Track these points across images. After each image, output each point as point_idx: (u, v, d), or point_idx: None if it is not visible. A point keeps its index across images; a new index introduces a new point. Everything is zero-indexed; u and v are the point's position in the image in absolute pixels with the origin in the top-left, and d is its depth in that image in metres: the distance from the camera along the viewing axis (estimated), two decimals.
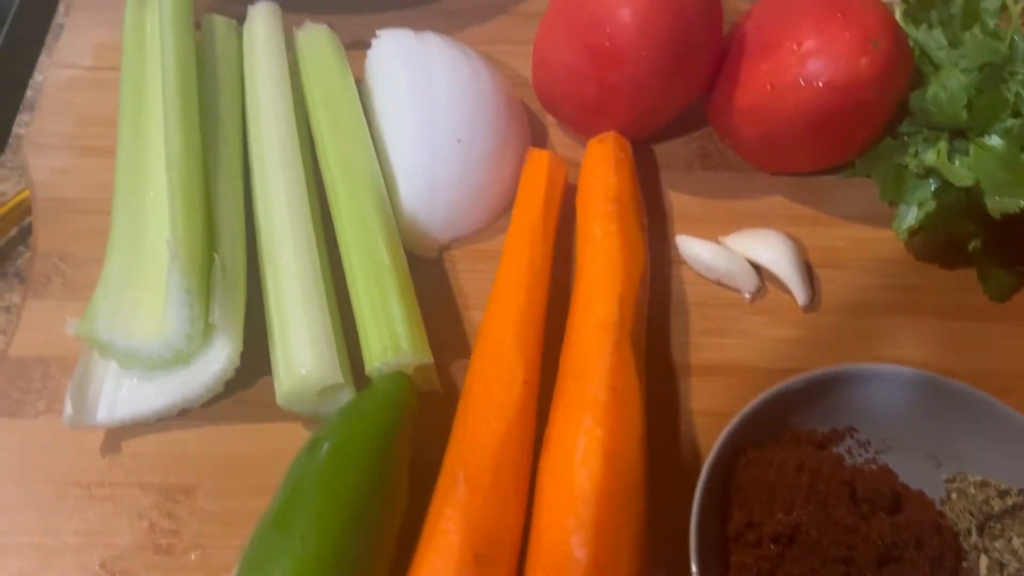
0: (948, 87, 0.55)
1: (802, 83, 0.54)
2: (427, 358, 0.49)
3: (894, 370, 0.50)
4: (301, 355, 0.48)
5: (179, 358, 0.49)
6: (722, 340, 0.57)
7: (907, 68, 0.56)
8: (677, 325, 0.57)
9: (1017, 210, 0.54)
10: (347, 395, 0.50)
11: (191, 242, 0.48)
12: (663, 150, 0.65)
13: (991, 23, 0.62)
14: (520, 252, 0.55)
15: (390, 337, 0.49)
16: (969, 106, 0.55)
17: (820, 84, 0.54)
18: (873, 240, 0.61)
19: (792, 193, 0.63)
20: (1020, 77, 0.56)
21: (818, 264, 0.60)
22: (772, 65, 0.56)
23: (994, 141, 0.55)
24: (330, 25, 0.68)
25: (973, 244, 0.58)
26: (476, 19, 0.70)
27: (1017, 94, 0.57)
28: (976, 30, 0.61)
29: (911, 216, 0.58)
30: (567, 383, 0.49)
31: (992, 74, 0.56)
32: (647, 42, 0.54)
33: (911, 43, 0.61)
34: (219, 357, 0.48)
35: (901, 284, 0.60)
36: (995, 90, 0.55)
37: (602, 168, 0.57)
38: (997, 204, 0.54)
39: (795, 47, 0.55)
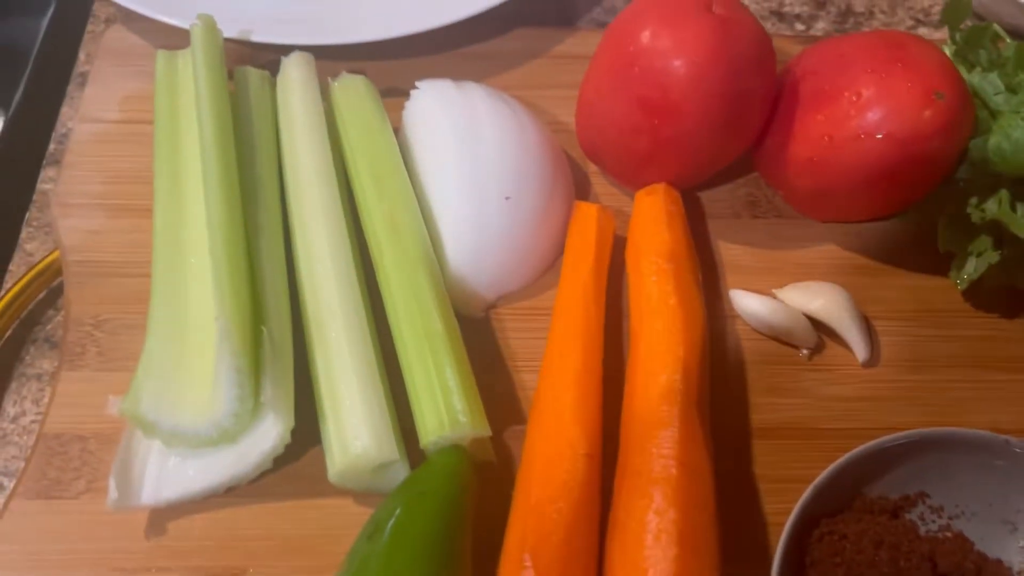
0: (1012, 137, 0.53)
1: (862, 135, 0.53)
2: (485, 431, 0.47)
3: (965, 434, 0.48)
4: (356, 432, 0.46)
5: (226, 437, 0.47)
6: (781, 400, 0.55)
7: (971, 118, 0.54)
8: (735, 385, 0.55)
9: None
10: (401, 470, 0.48)
11: (240, 317, 0.46)
12: (709, 198, 0.63)
13: None
14: (574, 312, 0.53)
15: (447, 410, 0.47)
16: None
17: (882, 136, 0.52)
18: (929, 289, 0.60)
19: (844, 241, 0.61)
20: None
21: (874, 316, 0.58)
22: (829, 115, 0.54)
23: None
24: (364, 72, 0.67)
25: None
26: (510, 63, 0.68)
27: None
28: None
29: (971, 266, 0.57)
30: (632, 457, 0.47)
31: None
32: (702, 95, 0.52)
33: (970, 86, 0.60)
34: (270, 435, 0.46)
35: (962, 336, 0.58)
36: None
37: (654, 223, 0.55)
38: None
39: (854, 97, 0.53)
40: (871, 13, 0.80)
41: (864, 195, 0.56)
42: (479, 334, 0.56)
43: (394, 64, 0.68)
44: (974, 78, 0.59)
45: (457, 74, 0.67)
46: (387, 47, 0.66)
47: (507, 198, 0.54)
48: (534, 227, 0.56)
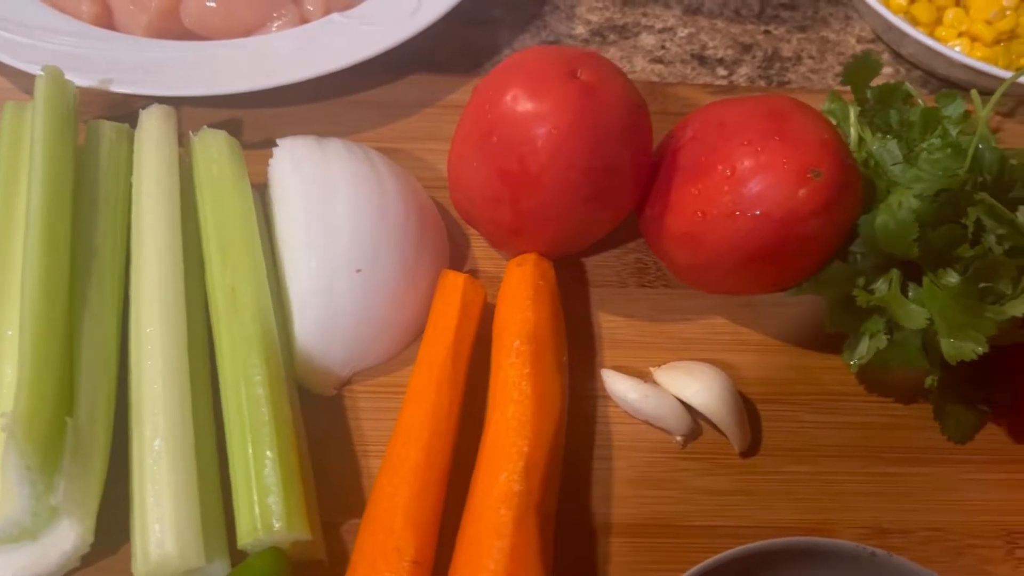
0: (898, 217, 0.49)
1: (736, 213, 0.49)
2: (305, 535, 0.44)
3: (829, 544, 0.45)
4: (160, 537, 0.42)
5: (26, 534, 0.43)
6: (649, 492, 0.51)
7: (854, 196, 0.50)
8: (600, 473, 0.52)
9: (975, 357, 0.48)
10: (220, 569, 0.45)
11: (37, 412, 0.42)
12: (595, 264, 0.59)
13: (953, 131, 0.56)
14: (424, 396, 0.49)
15: (262, 512, 0.43)
16: (921, 239, 0.49)
17: (755, 215, 0.48)
18: (822, 370, 0.56)
19: (734, 314, 0.58)
20: (982, 202, 0.51)
21: (760, 398, 0.55)
22: (703, 190, 0.50)
23: (950, 278, 0.49)
24: (241, 121, 0.63)
25: (930, 380, 0.53)
26: (403, 112, 0.65)
27: (977, 221, 0.51)
28: (936, 139, 0.55)
29: (863, 347, 0.53)
30: (460, 566, 0.44)
31: (949, 202, 0.50)
32: (562, 167, 0.49)
33: (868, 153, 0.56)
34: (69, 537, 0.43)
35: (853, 423, 0.54)
36: (951, 221, 0.50)
37: (518, 299, 0.52)
38: (952, 348, 0.49)
39: (728, 172, 0.49)
40: (799, 59, 0.76)
41: (743, 272, 0.52)
42: (329, 414, 0.52)
43: (281, 112, 0.64)
44: (874, 145, 0.56)
45: (345, 123, 0.63)
46: (273, 93, 0.63)
47: (358, 270, 0.51)
48: (391, 299, 0.52)
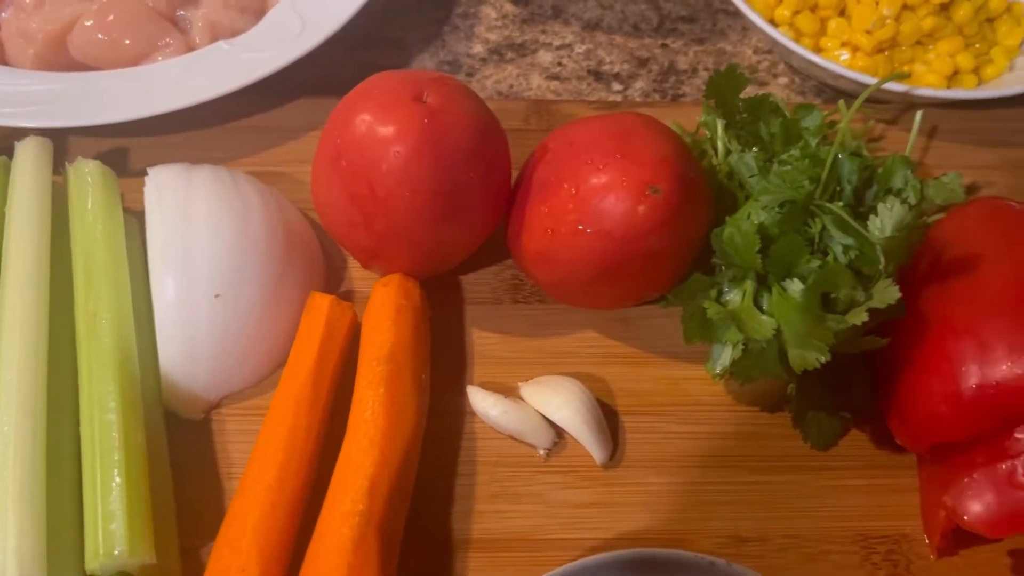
0: (743, 229, 0.50)
1: (581, 230, 0.50)
2: (150, 559, 0.45)
3: (669, 555, 0.46)
4: (2, 561, 0.43)
5: None
6: (510, 506, 0.52)
7: (699, 210, 0.51)
8: (462, 489, 0.52)
9: (818, 366, 0.49)
10: None
11: None
12: (471, 281, 0.60)
13: (813, 142, 0.57)
14: (280, 420, 0.50)
15: (105, 537, 0.44)
16: (764, 251, 0.50)
17: (598, 232, 0.49)
18: (689, 380, 0.57)
19: (606, 327, 0.58)
20: (828, 212, 0.52)
21: (626, 410, 0.55)
22: (552, 208, 0.51)
23: (794, 288, 0.50)
24: (128, 149, 0.65)
25: (791, 388, 0.54)
26: (287, 136, 0.66)
27: (823, 230, 0.52)
28: (796, 150, 0.56)
29: (723, 357, 0.54)
30: None
31: (792, 213, 0.51)
32: (409, 191, 0.50)
33: (730, 166, 0.57)
34: None
35: (717, 433, 0.55)
36: (794, 232, 0.51)
37: (380, 319, 0.53)
38: (798, 358, 0.50)
39: (573, 191, 0.50)
40: (694, 71, 0.77)
41: (597, 288, 0.53)
42: (196, 438, 0.53)
43: (168, 139, 0.65)
44: (733, 158, 0.57)
45: (230, 148, 0.65)
46: (159, 121, 0.64)
47: (217, 295, 0.52)
48: (255, 323, 0.53)
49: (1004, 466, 0.46)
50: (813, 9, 0.71)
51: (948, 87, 0.70)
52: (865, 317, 0.49)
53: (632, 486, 0.53)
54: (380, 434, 0.48)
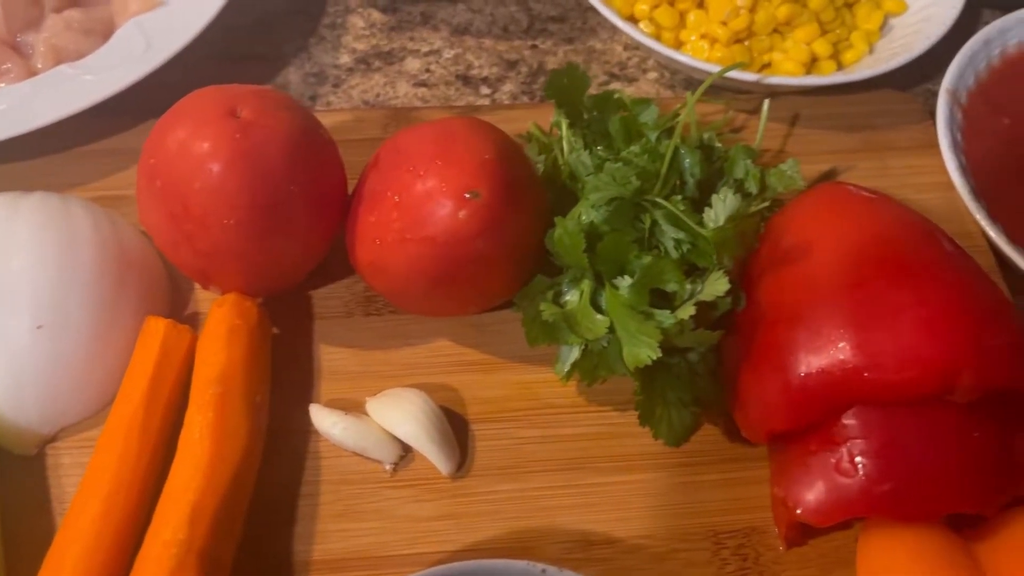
0: (568, 228, 0.50)
1: (406, 239, 0.49)
2: None
3: (496, 565, 0.45)
4: None
5: None
6: (354, 524, 0.51)
7: (527, 212, 0.51)
8: (305, 510, 0.51)
9: (649, 363, 0.49)
10: None
11: None
12: (322, 296, 0.59)
13: (652, 136, 0.57)
14: (109, 450, 0.49)
15: None
16: (590, 249, 0.49)
17: (422, 240, 0.48)
18: (541, 384, 0.56)
19: (459, 335, 0.58)
20: (660, 209, 0.51)
21: (477, 418, 0.55)
22: (379, 218, 0.50)
23: (624, 285, 0.49)
24: None
25: (636, 385, 0.53)
26: (135, 159, 0.64)
27: (654, 225, 0.52)
28: (636, 147, 0.56)
29: (567, 357, 0.53)
30: None
31: (620, 210, 0.50)
32: (225, 208, 0.48)
33: (571, 164, 0.56)
34: None
35: (567, 435, 0.54)
36: (622, 230, 0.50)
37: (212, 341, 0.52)
38: (630, 356, 0.49)
39: (396, 198, 0.49)
40: None
41: (434, 296, 0.52)
42: (29, 474, 0.51)
43: (7, 168, 0.63)
44: (572, 157, 0.56)
45: (73, 174, 0.63)
46: (1, 149, 0.62)
47: (39, 327, 0.50)
48: (85, 352, 0.52)
49: (832, 454, 0.45)
50: (672, 3, 0.71)
51: (808, 74, 0.70)
52: (692, 311, 0.48)
53: (481, 496, 0.52)
54: (206, 460, 0.47)
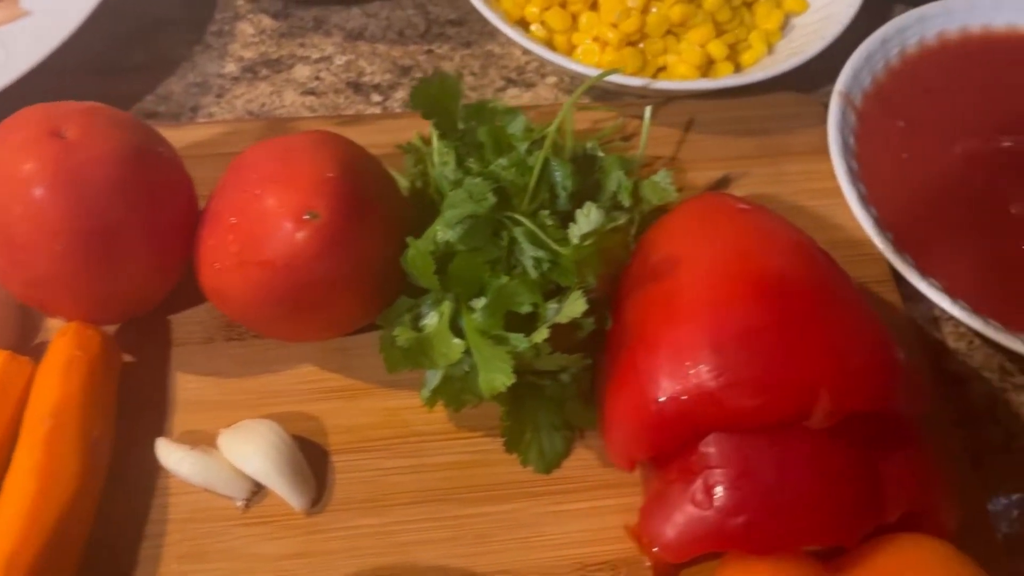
0: (419, 247, 0.47)
1: (245, 263, 0.46)
2: None
3: None
4: None
5: None
6: (200, 566, 0.48)
7: (376, 231, 0.48)
8: (149, 551, 0.48)
9: (503, 389, 0.46)
10: None
11: None
12: (181, 321, 0.56)
13: (522, 147, 0.54)
14: None
15: None
16: (441, 270, 0.47)
17: (260, 263, 0.46)
18: (409, 410, 0.53)
19: (325, 360, 0.55)
20: (521, 226, 0.49)
21: (339, 448, 0.52)
22: (218, 241, 0.47)
23: (478, 308, 0.47)
24: None
25: (502, 410, 0.50)
26: None
27: (513, 243, 0.49)
28: (505, 159, 0.53)
29: (431, 381, 0.50)
30: None
31: (475, 229, 0.48)
32: (48, 234, 0.45)
33: (435, 178, 0.54)
34: None
35: (433, 464, 0.52)
36: (476, 249, 0.47)
37: (48, 374, 0.49)
38: (485, 382, 0.46)
39: (233, 221, 0.47)
40: (459, 76, 0.74)
41: (285, 323, 0.49)
42: None
43: None
44: (436, 172, 0.53)
45: None
46: None
47: None
48: None
49: (689, 485, 0.43)
50: (564, 5, 0.68)
51: (706, 76, 0.68)
52: (546, 334, 0.46)
53: (338, 532, 0.49)
54: (28, 503, 0.44)
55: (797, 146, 0.65)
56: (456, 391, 0.49)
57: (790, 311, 0.43)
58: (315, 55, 0.74)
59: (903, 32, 0.66)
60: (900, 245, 0.57)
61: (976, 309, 0.54)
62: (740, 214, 0.50)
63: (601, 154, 0.58)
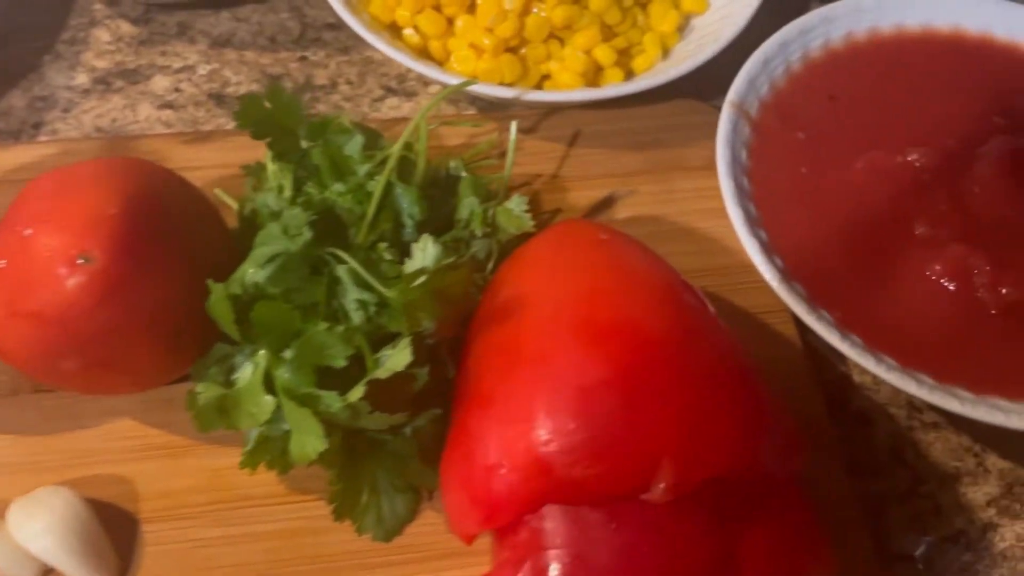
0: (218, 294, 0.41)
1: (14, 312, 0.40)
2: None
3: None
4: None
5: None
6: None
7: (174, 274, 0.42)
8: None
9: (315, 456, 0.40)
10: None
11: None
12: None
13: (361, 170, 0.48)
14: None
15: None
16: (242, 320, 0.41)
17: (29, 315, 0.39)
18: (236, 471, 0.46)
19: (145, 413, 0.48)
20: (346, 267, 0.43)
21: (153, 516, 0.46)
22: None
23: (286, 362, 0.41)
24: None
25: (332, 472, 0.44)
26: None
27: (336, 283, 0.43)
28: (341, 184, 0.47)
29: (250, 439, 0.44)
30: None
31: (286, 269, 0.42)
32: None
33: (258, 207, 0.47)
34: None
35: (260, 532, 0.45)
36: (290, 293, 0.41)
37: None
38: (296, 447, 0.40)
39: (1, 264, 0.40)
40: (334, 85, 0.68)
41: (75, 379, 0.43)
42: None
43: None
44: (258, 200, 0.47)
45: None
46: None
47: None
48: None
49: (518, 567, 0.37)
50: (439, 8, 0.62)
51: (593, 84, 0.62)
52: (361, 392, 0.40)
53: None
54: None
55: (691, 160, 0.60)
56: (279, 452, 0.43)
57: (636, 365, 0.38)
58: (176, 64, 0.68)
59: (806, 34, 0.60)
60: (792, 272, 0.51)
61: (872, 344, 0.48)
62: (597, 247, 0.44)
63: (464, 174, 0.53)
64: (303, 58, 0.69)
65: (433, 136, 0.60)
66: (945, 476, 0.52)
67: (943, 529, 0.51)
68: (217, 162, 0.58)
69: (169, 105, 0.66)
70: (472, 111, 0.66)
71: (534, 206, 0.58)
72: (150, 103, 0.66)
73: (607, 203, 0.58)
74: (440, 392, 0.45)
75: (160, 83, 0.67)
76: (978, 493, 0.52)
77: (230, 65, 0.68)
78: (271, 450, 0.43)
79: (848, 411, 0.54)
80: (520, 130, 0.61)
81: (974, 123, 0.57)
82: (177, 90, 0.66)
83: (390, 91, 0.68)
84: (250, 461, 0.43)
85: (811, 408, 0.51)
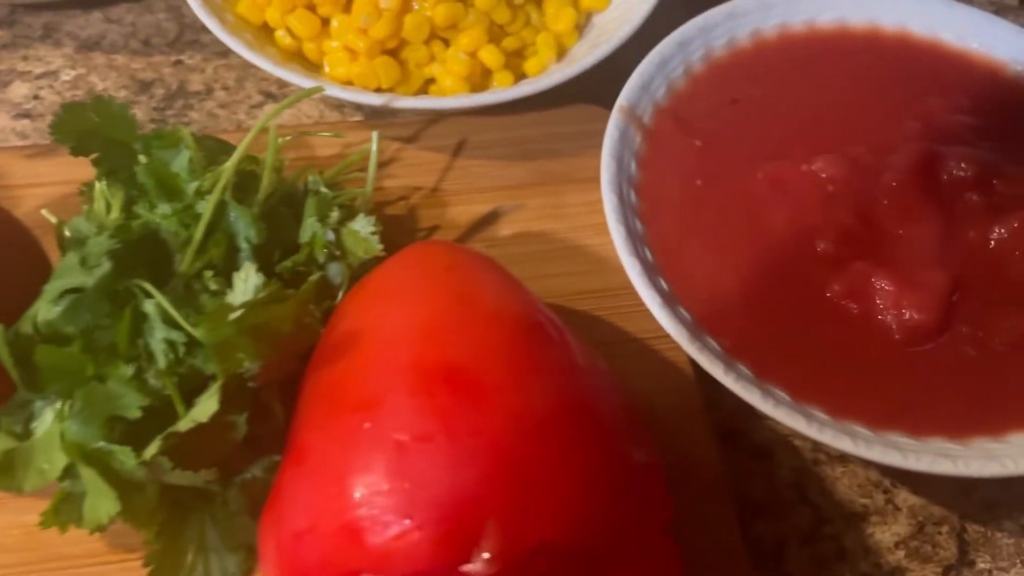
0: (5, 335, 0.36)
1: None
2: None
3: None
4: None
5: None
6: None
7: None
8: None
9: (105, 521, 0.35)
10: None
11: None
12: None
13: (190, 188, 0.43)
14: None
15: None
16: (24, 365, 0.36)
17: None
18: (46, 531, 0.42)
19: None
20: (154, 301, 0.38)
21: None
22: None
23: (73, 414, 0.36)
24: None
25: (150, 532, 0.40)
26: None
27: (142, 321, 0.38)
28: (167, 206, 0.42)
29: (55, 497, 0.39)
30: None
31: (79, 307, 0.37)
32: None
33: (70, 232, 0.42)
34: None
35: None
36: (74, 338, 0.36)
37: None
38: (89, 510, 0.36)
39: None
40: (210, 91, 0.62)
41: None
42: None
43: None
44: (69, 225, 0.42)
45: None
46: None
47: None
48: None
49: None
50: (312, 7, 0.57)
51: (481, 88, 0.57)
52: (155, 448, 0.35)
53: None
54: None
55: (585, 171, 0.55)
56: (76, 511, 0.38)
57: (463, 416, 0.33)
58: (38, 69, 0.63)
59: (708, 32, 0.55)
60: (680, 295, 0.46)
61: (764, 375, 0.44)
62: (444, 274, 0.39)
63: (323, 190, 0.48)
64: (178, 62, 0.64)
65: (303, 146, 0.55)
66: (851, 515, 0.48)
67: (847, 574, 0.46)
68: (60, 178, 0.53)
69: (27, 114, 0.60)
70: (358, 117, 0.61)
71: (411, 223, 0.53)
72: (6, 112, 0.60)
73: (491, 219, 0.53)
74: (279, 437, 0.40)
75: (18, 90, 0.62)
76: (886, 534, 0.48)
77: (97, 70, 0.63)
78: (75, 508, 0.38)
79: (747, 444, 0.50)
80: (400, 139, 0.56)
81: (887, 128, 0.53)
82: (36, 97, 0.61)
83: (269, 96, 0.63)
84: (53, 520, 0.38)
85: (701, 446, 0.46)
